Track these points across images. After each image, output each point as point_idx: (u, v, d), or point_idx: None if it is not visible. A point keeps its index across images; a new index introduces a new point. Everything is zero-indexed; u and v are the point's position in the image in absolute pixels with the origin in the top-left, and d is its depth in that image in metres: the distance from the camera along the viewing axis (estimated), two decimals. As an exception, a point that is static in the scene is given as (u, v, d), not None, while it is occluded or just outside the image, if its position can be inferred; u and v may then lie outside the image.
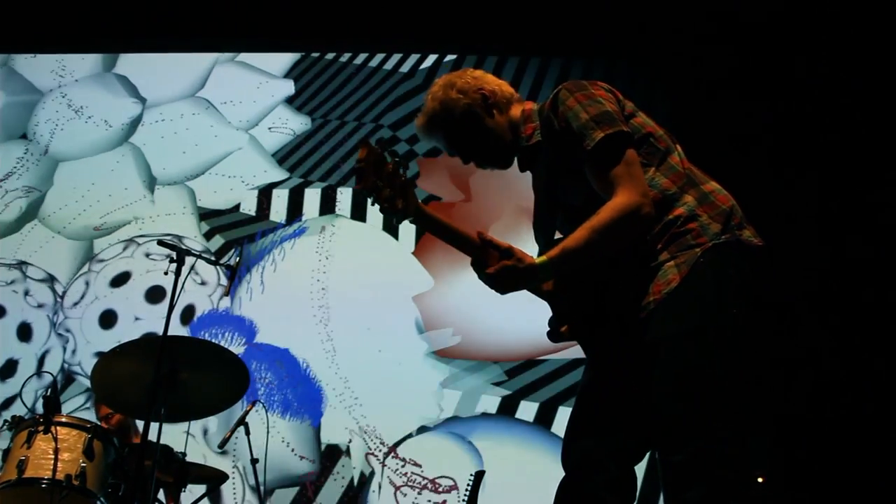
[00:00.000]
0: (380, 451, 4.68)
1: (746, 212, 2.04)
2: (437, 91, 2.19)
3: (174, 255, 3.17)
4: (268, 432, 3.79)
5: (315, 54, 5.83)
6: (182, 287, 3.10)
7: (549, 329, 2.13)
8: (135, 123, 5.65)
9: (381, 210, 1.83)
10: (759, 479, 3.97)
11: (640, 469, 2.09)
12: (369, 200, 1.84)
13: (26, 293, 5.12)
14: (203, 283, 5.08)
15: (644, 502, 4.27)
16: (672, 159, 2.04)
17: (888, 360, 4.47)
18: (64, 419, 3.11)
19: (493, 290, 1.95)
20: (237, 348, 4.83)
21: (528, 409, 4.76)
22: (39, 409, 3.18)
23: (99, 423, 3.37)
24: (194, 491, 3.83)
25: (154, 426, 3.04)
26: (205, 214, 5.35)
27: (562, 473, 2.08)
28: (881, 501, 4.31)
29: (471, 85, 2.17)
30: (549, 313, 2.19)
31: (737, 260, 1.94)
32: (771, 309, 2.00)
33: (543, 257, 1.90)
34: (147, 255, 5.18)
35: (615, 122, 1.97)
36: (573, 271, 1.99)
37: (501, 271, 1.89)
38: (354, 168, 1.81)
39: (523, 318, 4.82)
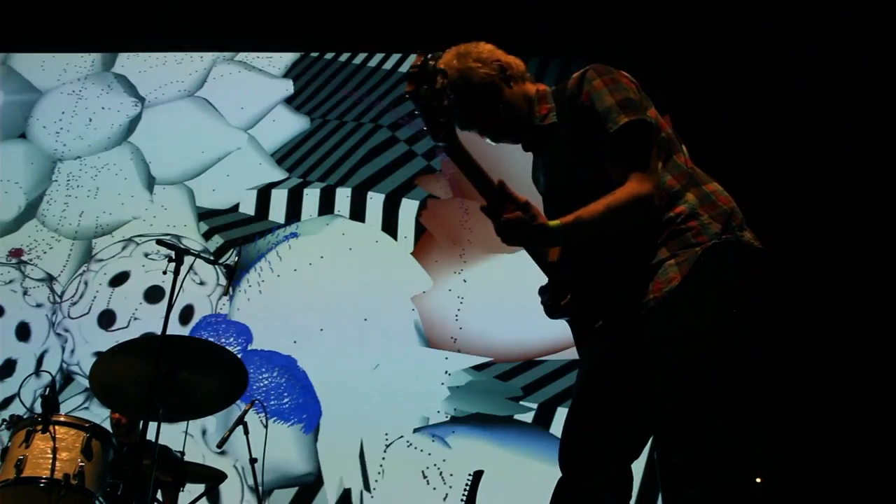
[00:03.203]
0: (378, 451, 4.67)
1: (743, 212, 2.05)
2: (451, 60, 2.10)
3: (173, 254, 3.17)
4: (266, 432, 3.79)
5: (314, 54, 5.84)
6: (181, 287, 3.10)
7: (546, 303, 2.10)
8: (134, 123, 5.65)
9: (425, 122, 1.79)
10: (757, 479, 3.97)
11: (639, 468, 2.09)
12: (416, 109, 1.82)
13: (25, 293, 5.12)
14: (202, 283, 5.08)
15: (643, 501, 4.27)
16: (678, 157, 2.05)
17: (887, 360, 4.48)
18: (62, 419, 3.11)
19: (500, 239, 1.90)
20: (235, 349, 4.83)
21: (526, 410, 4.76)
22: (38, 408, 3.17)
23: (98, 424, 3.37)
24: (193, 491, 3.83)
25: (152, 425, 3.03)
26: (203, 214, 5.36)
27: (558, 473, 2.08)
28: (881, 502, 4.31)
29: (487, 55, 2.12)
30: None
31: (737, 260, 1.95)
32: (770, 308, 2.00)
33: (557, 221, 1.88)
34: (146, 255, 5.18)
35: (639, 110, 1.97)
36: (577, 249, 1.99)
37: (515, 222, 1.84)
38: (408, 72, 1.79)
39: (522, 319, 4.83)
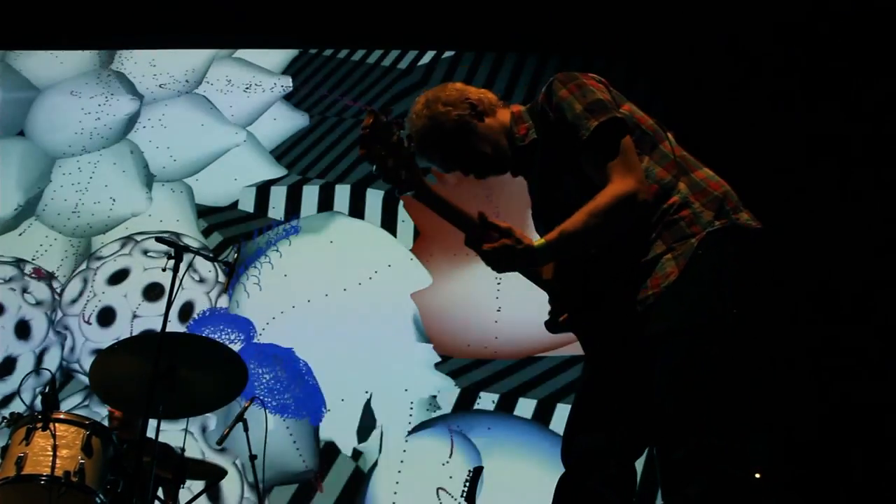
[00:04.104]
0: (377, 447, 4.68)
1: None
2: (421, 109, 2.13)
3: (172, 251, 3.17)
4: (266, 429, 3.79)
5: (313, 51, 5.83)
6: (180, 284, 3.09)
7: (548, 318, 2.12)
8: (132, 120, 5.65)
9: (385, 180, 1.82)
10: (757, 476, 3.98)
11: (638, 464, 2.10)
12: (373, 169, 1.85)
13: (24, 291, 5.12)
14: (201, 281, 5.08)
15: (643, 498, 4.28)
16: (664, 147, 2.05)
17: (886, 354, 4.48)
18: (62, 416, 3.10)
19: (490, 268, 1.93)
20: (235, 346, 4.83)
21: (526, 406, 4.77)
22: (38, 406, 3.17)
23: (98, 421, 3.37)
24: (193, 488, 3.84)
25: (153, 423, 3.03)
26: (203, 211, 5.36)
27: (559, 470, 2.08)
28: (878, 498, 4.32)
29: (455, 96, 2.14)
30: (547, 309, 2.18)
31: (734, 247, 1.95)
32: (771, 299, 2.00)
33: (541, 240, 1.89)
34: (145, 253, 5.18)
35: (608, 110, 1.97)
36: (570, 259, 1.99)
37: (500, 249, 1.87)
38: (359, 135, 1.81)
39: (521, 316, 4.83)
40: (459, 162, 2.17)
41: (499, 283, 4.93)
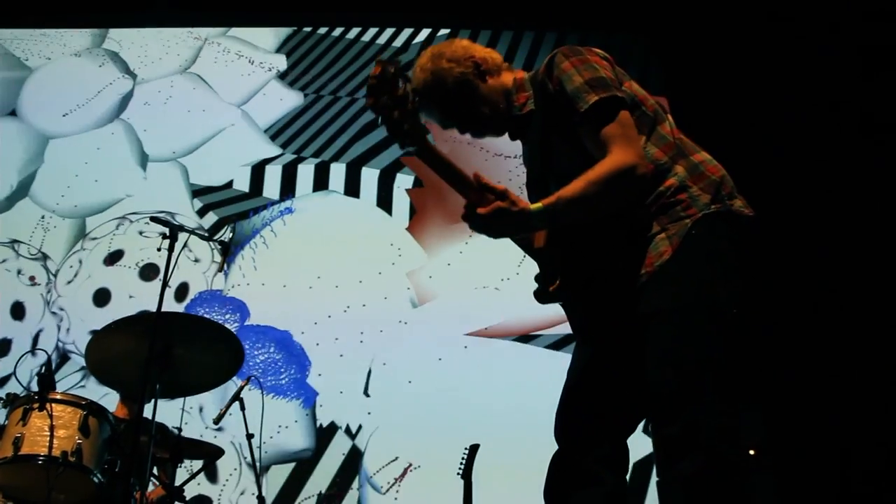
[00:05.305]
0: (374, 426, 4.69)
1: (743, 190, 2.04)
2: (425, 62, 2.14)
3: (167, 231, 3.16)
4: (263, 409, 3.80)
5: (307, 29, 5.79)
6: (175, 263, 3.09)
7: (536, 288, 2.11)
8: (126, 100, 5.61)
9: (389, 132, 1.78)
10: (751, 452, 4.00)
11: (633, 444, 2.10)
12: (379, 120, 1.82)
13: (19, 272, 5.10)
14: (197, 261, 5.07)
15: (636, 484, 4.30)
16: (662, 129, 2.03)
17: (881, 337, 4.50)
18: (59, 396, 3.10)
19: (484, 235, 1.90)
20: (231, 326, 4.83)
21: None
22: (34, 387, 3.17)
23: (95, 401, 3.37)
24: (190, 467, 3.85)
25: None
26: (197, 191, 5.34)
27: (555, 447, 2.08)
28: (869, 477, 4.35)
29: (461, 53, 2.14)
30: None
31: (727, 231, 1.95)
32: (760, 276, 2.00)
33: (538, 204, 1.87)
34: (140, 233, 5.17)
35: (609, 87, 1.96)
36: (563, 232, 1.99)
37: (494, 212, 1.84)
38: (367, 84, 1.78)
39: (517, 294, 4.83)
40: (457, 120, 2.17)
41: (495, 263, 4.93)
